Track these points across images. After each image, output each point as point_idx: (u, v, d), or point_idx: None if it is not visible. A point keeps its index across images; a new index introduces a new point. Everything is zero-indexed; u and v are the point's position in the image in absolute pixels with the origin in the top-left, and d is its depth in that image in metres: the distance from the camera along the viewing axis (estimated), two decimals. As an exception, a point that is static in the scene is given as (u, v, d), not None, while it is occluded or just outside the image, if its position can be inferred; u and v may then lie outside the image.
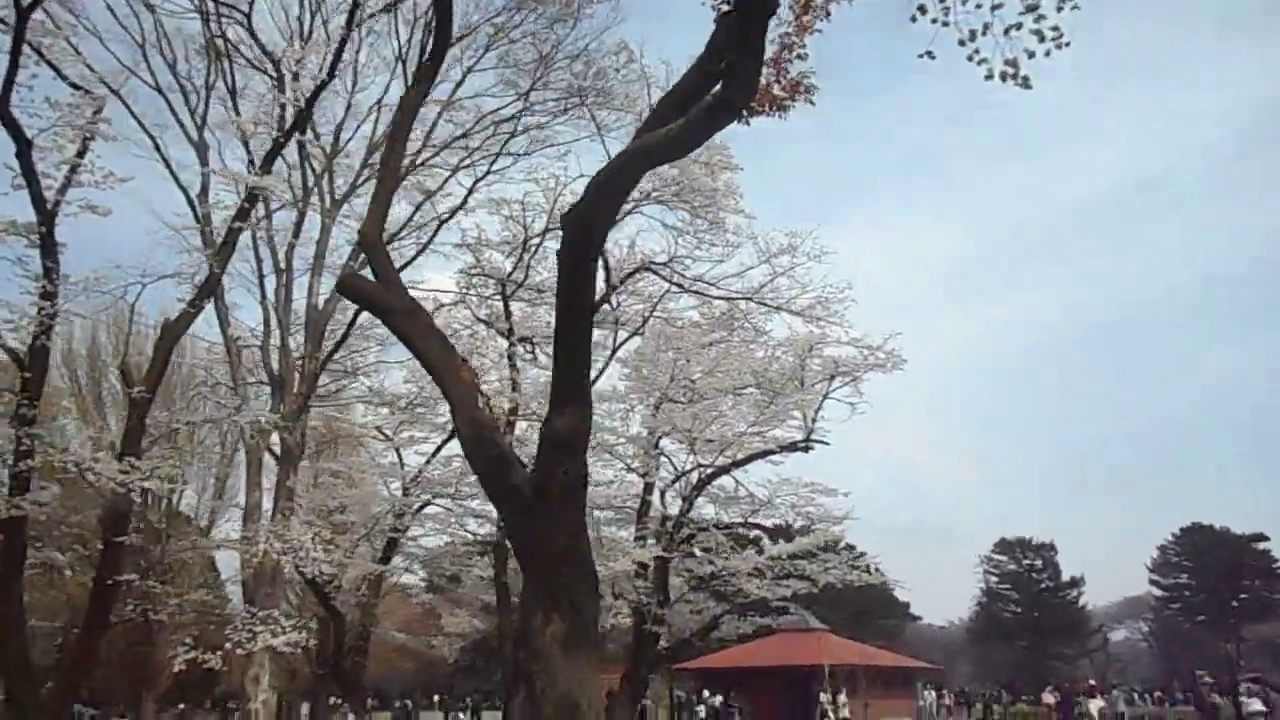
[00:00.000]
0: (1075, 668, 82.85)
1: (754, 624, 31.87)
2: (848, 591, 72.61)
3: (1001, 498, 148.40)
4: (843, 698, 34.25)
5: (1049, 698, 32.43)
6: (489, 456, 8.62)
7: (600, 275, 27.21)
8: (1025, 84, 7.13)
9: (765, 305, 25.73)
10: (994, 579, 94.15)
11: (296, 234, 24.10)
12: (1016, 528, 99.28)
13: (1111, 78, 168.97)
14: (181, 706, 56.94)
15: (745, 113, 6.60)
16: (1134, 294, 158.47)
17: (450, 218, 25.52)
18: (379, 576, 34.05)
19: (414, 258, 26.05)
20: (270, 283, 23.79)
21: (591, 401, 8.12)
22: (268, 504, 23.23)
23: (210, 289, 18.03)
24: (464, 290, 31.88)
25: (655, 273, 26.48)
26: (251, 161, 24.21)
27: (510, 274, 29.05)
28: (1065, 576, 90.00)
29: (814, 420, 28.46)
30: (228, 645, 17.74)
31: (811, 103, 6.71)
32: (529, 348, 32.30)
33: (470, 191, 24.97)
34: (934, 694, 37.31)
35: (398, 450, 35.65)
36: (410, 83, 12.82)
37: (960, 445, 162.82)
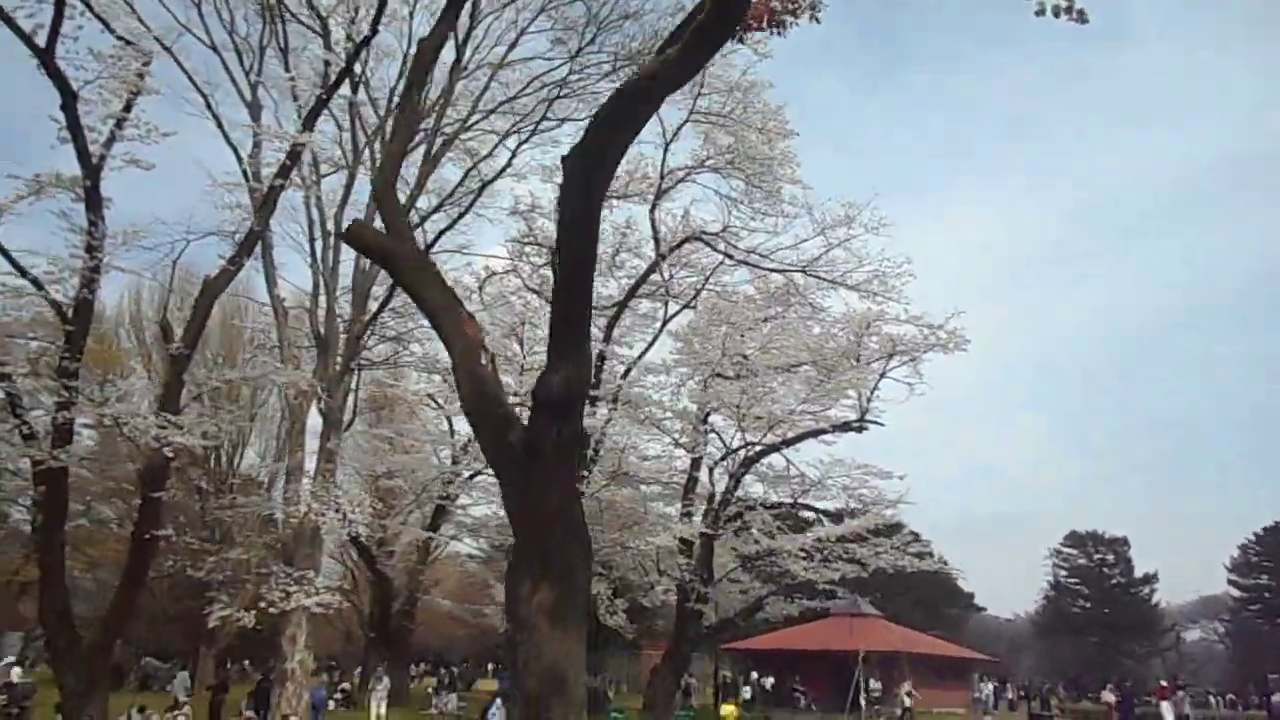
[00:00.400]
0: (1146, 666, 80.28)
1: (801, 606, 31.16)
2: (911, 579, 71.43)
3: (1072, 489, 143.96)
4: (907, 686, 33.39)
5: (1109, 696, 31.08)
6: (489, 415, 8.18)
7: (649, 244, 26.68)
8: (1081, 18, 6.41)
9: (819, 279, 24.85)
10: (1063, 572, 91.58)
11: (346, 196, 23.92)
12: (1088, 521, 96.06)
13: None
14: (247, 663, 58.30)
15: (741, 29, 5.99)
16: (1220, 277, 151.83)
17: (495, 179, 25.07)
18: (427, 543, 34.27)
19: (456, 220, 25.63)
20: (321, 246, 23.65)
21: (591, 359, 7.60)
22: (311, 465, 23.19)
23: (250, 246, 17.88)
24: (515, 259, 31.69)
25: (706, 243, 25.80)
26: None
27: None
28: (1138, 572, 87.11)
29: (869, 400, 27.58)
30: (262, 604, 17.74)
31: (817, 20, 6.03)
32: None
33: (514, 154, 24.46)
34: (992, 687, 36.10)
35: (449, 419, 35.74)
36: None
37: (1031, 434, 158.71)
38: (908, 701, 32.03)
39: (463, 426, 34.69)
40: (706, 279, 28.66)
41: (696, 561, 27.50)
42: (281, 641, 20.66)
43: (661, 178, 24.51)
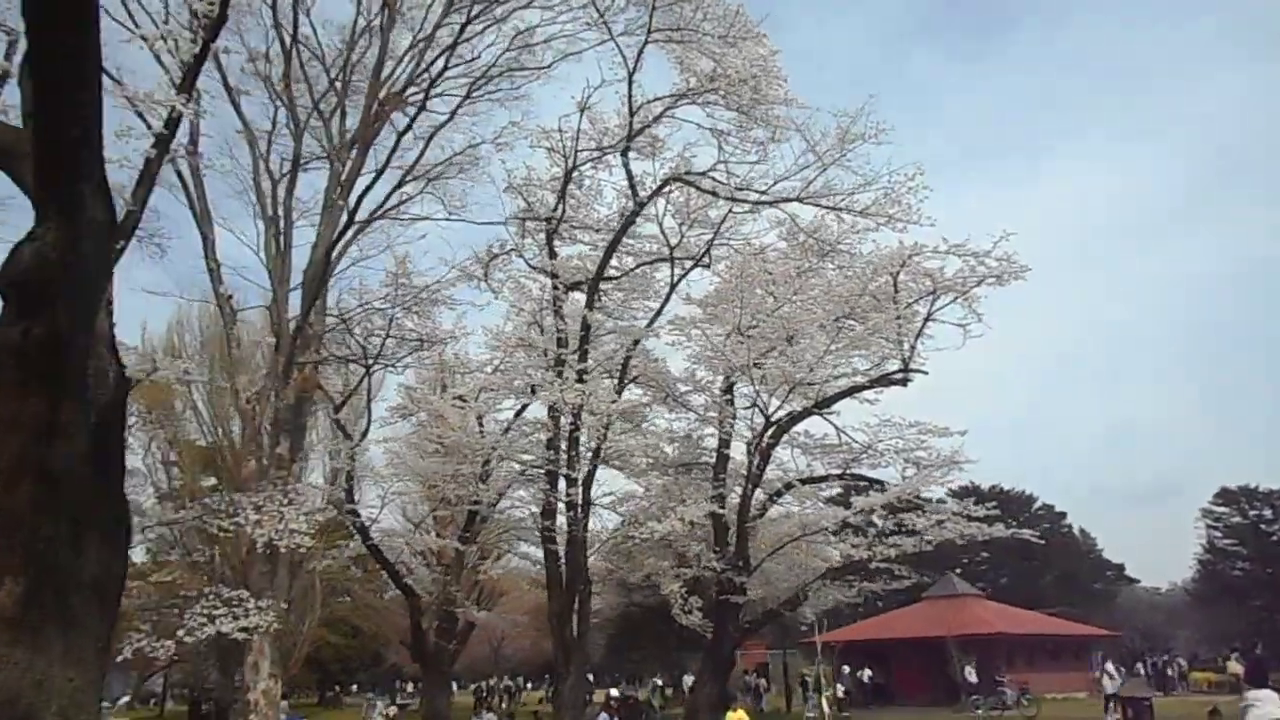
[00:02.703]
0: (1321, 628, 72.17)
1: (863, 591, 27.40)
2: (1049, 554, 65.74)
3: (1219, 446, 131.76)
4: (1109, 666, 29.16)
5: (1235, 666, 26.30)
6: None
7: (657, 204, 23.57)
8: None
9: (820, 206, 21.38)
10: (1217, 534, 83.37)
11: (294, 175, 21.87)
12: (1240, 476, 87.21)
13: None
14: (337, 689, 57.92)
15: None
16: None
17: (440, 130, 22.35)
18: (459, 555, 31.96)
19: (403, 180, 23.01)
20: (264, 231, 21.43)
21: (99, 221, 4.86)
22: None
23: (128, 231, 15.69)
24: (518, 237, 29.19)
25: (689, 183, 22.65)
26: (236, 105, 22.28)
27: (555, 208, 26.04)
28: (1302, 526, 78.63)
29: (912, 347, 23.96)
30: (180, 632, 15.64)
31: None
32: (600, 296, 29.15)
33: (431, 78, 21.22)
34: (1110, 666, 31.29)
35: (479, 419, 33.32)
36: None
37: (1171, 393, 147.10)
38: (1109, 687, 27.24)
39: (490, 426, 32.30)
40: (717, 231, 25.54)
41: (732, 549, 24.37)
42: (244, 670, 18.58)
43: (632, 114, 21.50)
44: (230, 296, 21.10)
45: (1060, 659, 35.10)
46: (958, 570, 59.37)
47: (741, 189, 21.92)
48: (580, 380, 22.10)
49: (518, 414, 31.35)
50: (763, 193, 21.93)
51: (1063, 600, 63.84)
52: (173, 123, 16.58)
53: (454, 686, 59.08)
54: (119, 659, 15.98)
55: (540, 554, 38.26)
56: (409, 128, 20.38)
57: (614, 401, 23.38)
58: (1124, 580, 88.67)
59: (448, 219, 25.62)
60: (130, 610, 19.25)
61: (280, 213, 21.83)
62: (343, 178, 20.56)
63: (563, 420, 22.97)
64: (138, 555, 41.14)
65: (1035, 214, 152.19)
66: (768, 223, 25.97)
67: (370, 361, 28.27)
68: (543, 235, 27.46)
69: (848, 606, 43.43)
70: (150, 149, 16.47)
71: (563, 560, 23.61)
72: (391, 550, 35.23)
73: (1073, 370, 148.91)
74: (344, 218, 19.41)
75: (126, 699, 64.67)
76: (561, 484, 23.62)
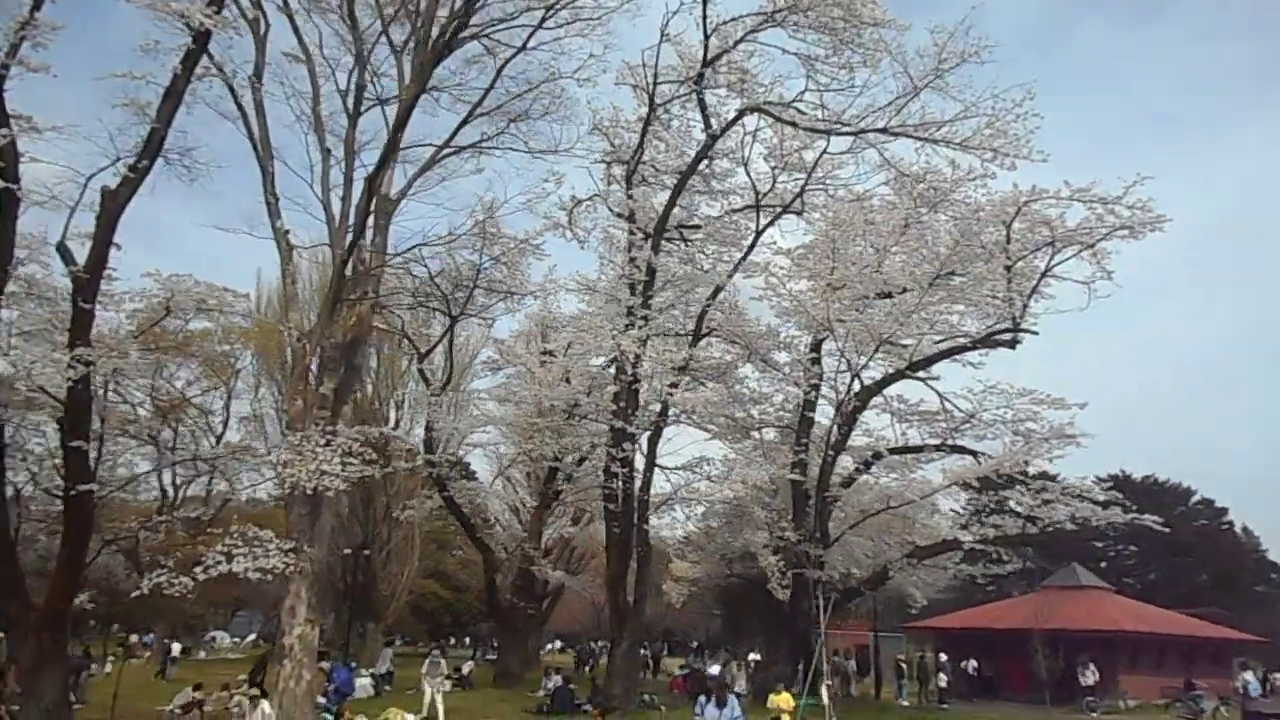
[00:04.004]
0: None
1: (961, 573, 25.00)
2: (1203, 552, 60.87)
3: None
4: (1248, 675, 26.36)
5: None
6: None
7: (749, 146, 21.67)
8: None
9: (913, 137, 18.98)
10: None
11: (357, 107, 21.05)
12: None
13: None
14: (451, 640, 58.69)
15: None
16: None
17: (513, 57, 20.97)
18: (538, 512, 31.10)
19: (472, 112, 21.60)
20: (320, 165, 20.63)
21: None
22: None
23: (152, 150, 15.12)
24: (604, 182, 27.77)
25: (768, 113, 20.59)
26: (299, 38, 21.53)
27: (637, 148, 24.42)
28: None
29: (1025, 305, 21.37)
30: (196, 570, 15.06)
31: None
32: (686, 242, 27.45)
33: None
34: (1252, 674, 27.67)
35: (567, 374, 32.26)
36: None
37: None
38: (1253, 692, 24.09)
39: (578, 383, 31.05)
40: (809, 174, 23.39)
41: (811, 519, 22.46)
42: (281, 614, 18.06)
43: (706, 36, 19.60)
44: (287, 232, 20.40)
45: (1196, 663, 31.50)
46: (1104, 564, 55.10)
47: (829, 121, 19.71)
48: (635, 328, 20.50)
49: (608, 367, 30.12)
50: (850, 125, 19.65)
51: (1218, 601, 58.84)
52: (201, 37, 15.86)
53: (550, 645, 58.93)
54: (136, 593, 15.48)
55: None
56: (445, 43, 18.81)
57: (672, 351, 21.75)
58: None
59: (528, 152, 24.46)
60: (151, 545, 18.91)
61: (342, 147, 21.04)
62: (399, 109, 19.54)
63: (627, 371, 21.47)
64: (261, 496, 42.10)
65: (1214, 189, 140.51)
66: (869, 166, 23.73)
67: (457, 312, 27.47)
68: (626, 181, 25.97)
69: (980, 590, 40.55)
70: (177, 65, 15.80)
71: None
72: (474, 506, 34.68)
73: (1249, 356, 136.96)
74: (385, 150, 18.26)
75: (253, 636, 67.84)
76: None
